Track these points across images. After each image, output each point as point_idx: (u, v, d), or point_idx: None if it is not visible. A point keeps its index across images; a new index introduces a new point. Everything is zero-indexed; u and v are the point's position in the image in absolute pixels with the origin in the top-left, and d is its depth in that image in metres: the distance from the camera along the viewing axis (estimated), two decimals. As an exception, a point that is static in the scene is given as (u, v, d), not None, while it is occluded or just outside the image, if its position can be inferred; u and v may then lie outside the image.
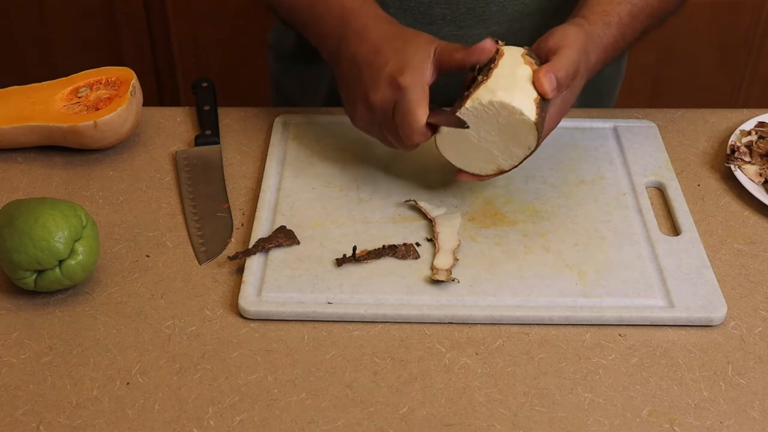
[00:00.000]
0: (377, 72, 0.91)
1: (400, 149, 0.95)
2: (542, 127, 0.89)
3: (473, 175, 0.95)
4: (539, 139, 0.89)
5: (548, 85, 0.88)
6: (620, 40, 0.99)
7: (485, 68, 0.91)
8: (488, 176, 0.95)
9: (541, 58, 0.93)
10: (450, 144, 0.92)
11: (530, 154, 0.91)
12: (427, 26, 1.13)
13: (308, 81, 1.27)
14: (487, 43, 0.91)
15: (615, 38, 0.98)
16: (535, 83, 0.89)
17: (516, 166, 0.93)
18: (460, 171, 0.95)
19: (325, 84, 1.24)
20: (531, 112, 0.88)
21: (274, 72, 1.34)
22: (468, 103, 0.89)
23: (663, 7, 1.05)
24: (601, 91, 1.27)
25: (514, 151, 0.91)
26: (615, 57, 1.01)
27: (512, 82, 0.89)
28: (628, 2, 0.99)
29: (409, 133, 0.90)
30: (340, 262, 0.90)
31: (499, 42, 0.93)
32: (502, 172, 0.94)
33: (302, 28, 1.03)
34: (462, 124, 0.90)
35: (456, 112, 0.89)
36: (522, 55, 0.92)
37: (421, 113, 0.89)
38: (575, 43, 0.92)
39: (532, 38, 1.13)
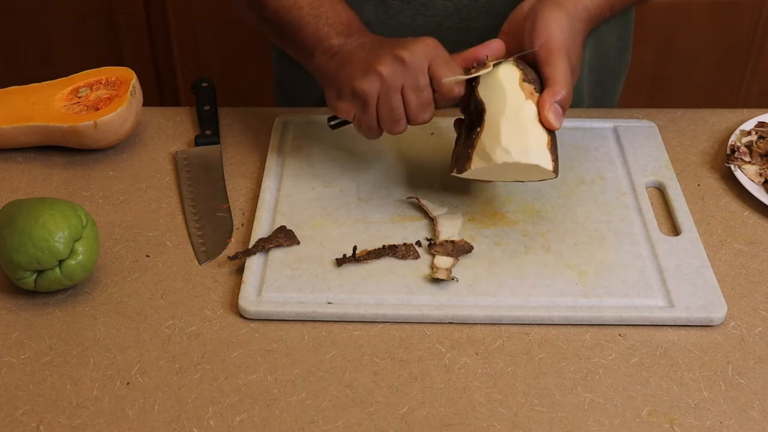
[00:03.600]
0: (401, 41, 0.92)
1: (397, 129, 0.93)
2: (557, 158, 0.90)
3: None
4: (558, 171, 0.90)
5: (555, 119, 0.89)
6: (607, 10, 0.99)
7: (477, 110, 0.91)
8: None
9: (529, 60, 0.93)
10: (479, 176, 0.92)
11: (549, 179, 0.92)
12: (429, 18, 1.13)
13: (309, 77, 1.27)
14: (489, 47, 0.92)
15: (602, 8, 0.98)
16: (543, 121, 0.89)
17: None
18: None
19: None
20: (547, 161, 0.88)
21: (276, 68, 1.34)
22: (482, 163, 0.89)
23: None
24: (604, 83, 1.27)
25: (532, 180, 0.91)
26: (600, 22, 1.00)
27: (522, 132, 0.89)
28: None
29: (449, 85, 0.90)
30: (340, 262, 0.90)
31: (487, 60, 0.92)
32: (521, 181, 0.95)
33: (296, 29, 1.02)
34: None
35: (468, 166, 0.89)
36: (520, 83, 0.91)
37: (457, 66, 0.91)
38: (562, 43, 0.92)
39: None
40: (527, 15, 0.95)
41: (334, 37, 0.97)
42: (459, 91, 0.91)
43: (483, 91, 0.92)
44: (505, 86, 0.91)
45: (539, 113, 0.90)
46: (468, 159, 0.90)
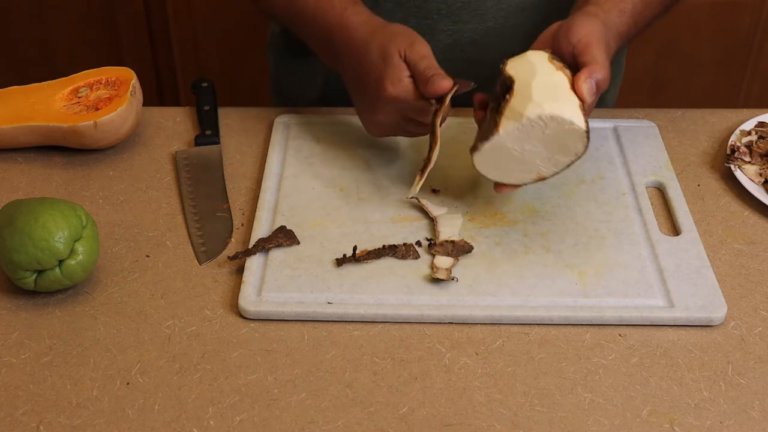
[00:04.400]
0: (373, 100, 0.96)
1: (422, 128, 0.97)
2: (589, 129, 0.88)
3: (512, 186, 0.94)
4: (588, 145, 0.88)
5: (588, 92, 0.88)
6: (632, 28, 0.99)
7: (504, 85, 0.90)
8: (526, 184, 0.94)
9: (564, 55, 0.92)
10: (489, 160, 0.91)
11: (576, 160, 0.90)
12: (422, 20, 1.13)
13: (304, 75, 1.27)
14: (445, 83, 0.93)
15: (629, 26, 0.98)
16: (576, 91, 0.88)
17: (557, 173, 0.92)
18: (499, 185, 0.94)
19: (321, 78, 1.24)
20: (581, 120, 0.86)
21: (272, 67, 1.35)
22: (510, 122, 0.87)
23: None
24: None
25: (559, 159, 0.90)
26: (626, 44, 1.01)
27: (554, 92, 0.87)
28: None
29: (437, 85, 0.92)
30: (340, 262, 0.90)
31: (506, 61, 0.92)
32: (542, 179, 0.92)
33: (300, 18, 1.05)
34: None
35: (498, 131, 0.88)
36: (549, 60, 0.90)
37: (439, 71, 0.93)
38: (599, 38, 0.92)
39: (528, 34, 1.13)
40: (560, 26, 0.95)
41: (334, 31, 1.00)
42: (446, 84, 0.93)
43: (512, 70, 0.90)
44: (535, 62, 0.90)
45: (574, 83, 0.88)
46: (495, 125, 0.88)
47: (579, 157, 0.89)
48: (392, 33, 0.96)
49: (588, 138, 0.87)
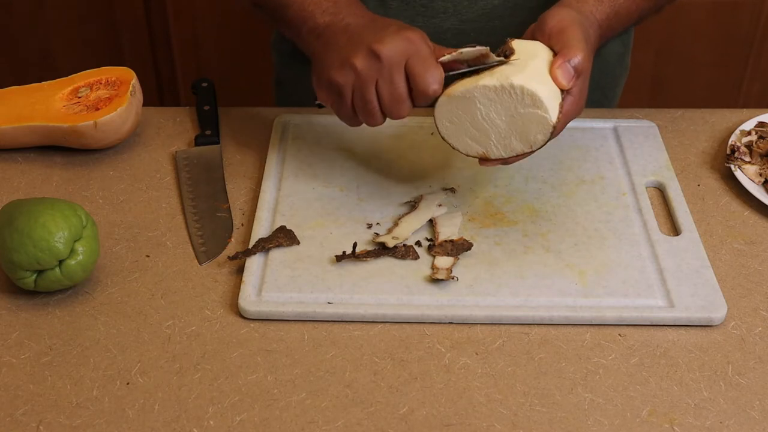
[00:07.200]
0: (382, 30, 0.90)
1: (372, 121, 0.92)
2: (554, 133, 0.88)
3: (497, 160, 0.91)
4: (546, 143, 0.88)
5: (563, 76, 0.87)
6: (613, 18, 0.98)
7: (503, 53, 0.89)
8: (511, 159, 0.91)
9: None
10: (450, 109, 0.89)
11: (524, 155, 0.89)
12: (429, 19, 1.13)
13: (309, 77, 1.27)
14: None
15: (608, 15, 0.97)
16: (552, 76, 0.87)
17: (500, 162, 0.90)
18: (483, 159, 0.91)
19: None
20: (555, 113, 0.86)
21: (276, 68, 1.35)
22: (493, 80, 0.86)
23: None
24: (603, 87, 1.27)
25: (513, 144, 0.89)
26: (610, 36, 1.00)
27: (545, 78, 0.87)
28: None
29: (427, 81, 0.87)
30: (340, 258, 0.90)
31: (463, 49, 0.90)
32: (484, 159, 0.91)
33: (283, 7, 1.01)
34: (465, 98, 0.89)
35: (476, 83, 0.86)
36: (552, 54, 0.89)
37: (436, 64, 0.88)
38: (572, 22, 0.91)
39: None
40: (538, 20, 0.94)
41: (319, 16, 0.96)
42: (435, 90, 0.88)
43: (516, 45, 0.89)
44: (539, 49, 0.89)
45: (549, 69, 0.88)
46: (477, 77, 0.87)
47: (531, 151, 0.88)
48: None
49: (551, 135, 0.87)
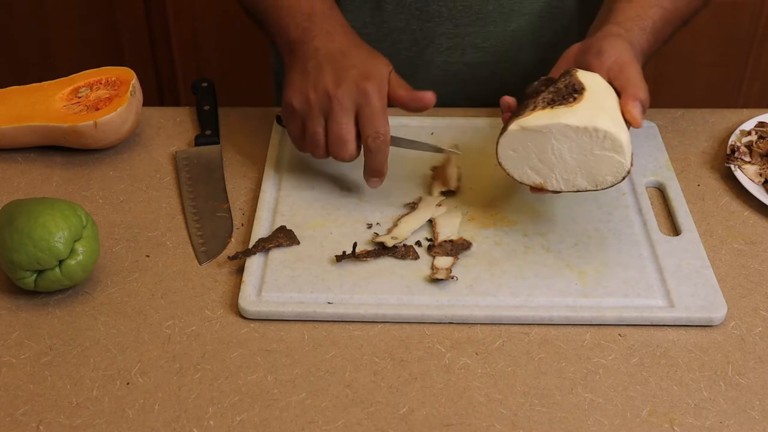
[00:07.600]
0: (343, 71, 0.92)
1: (317, 153, 0.95)
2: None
3: (548, 190, 0.91)
4: (613, 186, 0.88)
5: (639, 115, 0.88)
6: (653, 45, 0.99)
7: (572, 87, 0.88)
8: (523, 183, 0.91)
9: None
10: (520, 140, 0.88)
11: (585, 191, 0.89)
12: (424, 23, 1.13)
13: None
14: (428, 95, 0.93)
15: (650, 43, 0.98)
16: (626, 115, 0.88)
17: (557, 193, 0.91)
18: (535, 188, 0.91)
19: None
20: (629, 159, 0.86)
21: (275, 68, 1.35)
22: (575, 120, 0.85)
23: (690, 10, 1.04)
24: None
25: (577, 181, 0.88)
26: (647, 61, 1.01)
27: (621, 120, 0.87)
28: (660, 7, 0.98)
29: (374, 135, 0.91)
30: (340, 258, 0.90)
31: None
32: (539, 189, 0.90)
33: (264, 14, 1.03)
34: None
35: (557, 120, 0.86)
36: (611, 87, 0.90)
37: (385, 119, 0.91)
38: (631, 58, 0.92)
39: (529, 38, 1.13)
40: (590, 47, 0.94)
41: (293, 30, 0.98)
42: (380, 141, 0.91)
43: (582, 78, 0.89)
44: (605, 86, 0.89)
45: (623, 108, 0.88)
46: (554, 113, 0.85)
47: (594, 189, 0.88)
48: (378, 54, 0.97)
49: (622, 179, 0.87)
